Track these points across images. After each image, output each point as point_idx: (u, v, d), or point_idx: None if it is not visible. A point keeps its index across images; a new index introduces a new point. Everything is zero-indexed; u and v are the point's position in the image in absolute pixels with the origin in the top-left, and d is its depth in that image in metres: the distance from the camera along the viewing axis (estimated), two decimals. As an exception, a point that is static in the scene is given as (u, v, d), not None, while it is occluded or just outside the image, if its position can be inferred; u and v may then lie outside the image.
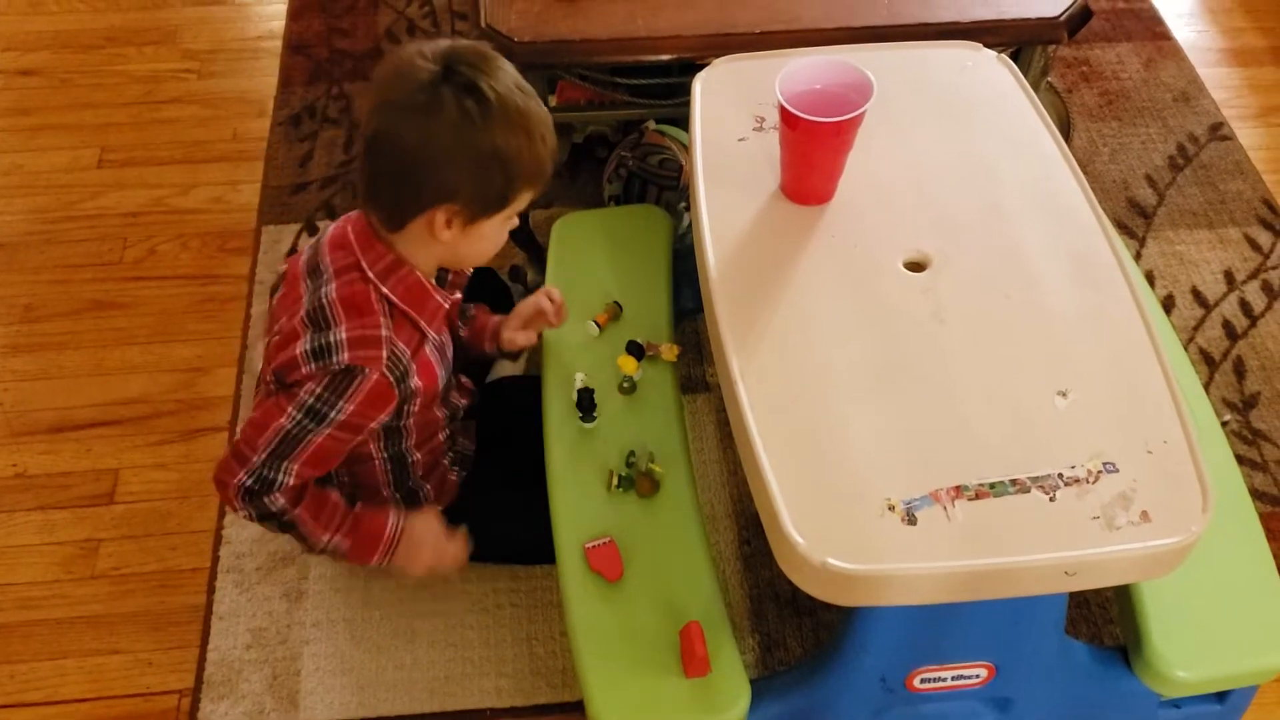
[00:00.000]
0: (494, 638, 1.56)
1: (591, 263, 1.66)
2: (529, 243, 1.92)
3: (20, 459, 1.75)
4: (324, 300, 1.29)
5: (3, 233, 2.06)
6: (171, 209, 2.10)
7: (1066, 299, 1.27)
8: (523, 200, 1.29)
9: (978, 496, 1.12)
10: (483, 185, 1.23)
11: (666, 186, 1.94)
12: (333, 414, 1.29)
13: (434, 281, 1.34)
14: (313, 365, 1.27)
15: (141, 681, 1.53)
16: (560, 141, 1.83)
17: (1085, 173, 1.40)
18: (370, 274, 1.29)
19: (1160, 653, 1.29)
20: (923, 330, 1.25)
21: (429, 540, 1.45)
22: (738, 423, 1.19)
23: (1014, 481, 1.13)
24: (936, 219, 1.35)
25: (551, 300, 1.55)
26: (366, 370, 1.27)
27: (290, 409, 1.29)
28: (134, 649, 1.56)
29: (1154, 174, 2.17)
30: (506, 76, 1.23)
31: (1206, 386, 1.83)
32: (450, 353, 1.45)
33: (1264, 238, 2.06)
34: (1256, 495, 1.68)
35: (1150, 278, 2.00)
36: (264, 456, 1.31)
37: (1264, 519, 1.41)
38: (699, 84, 1.51)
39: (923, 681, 1.31)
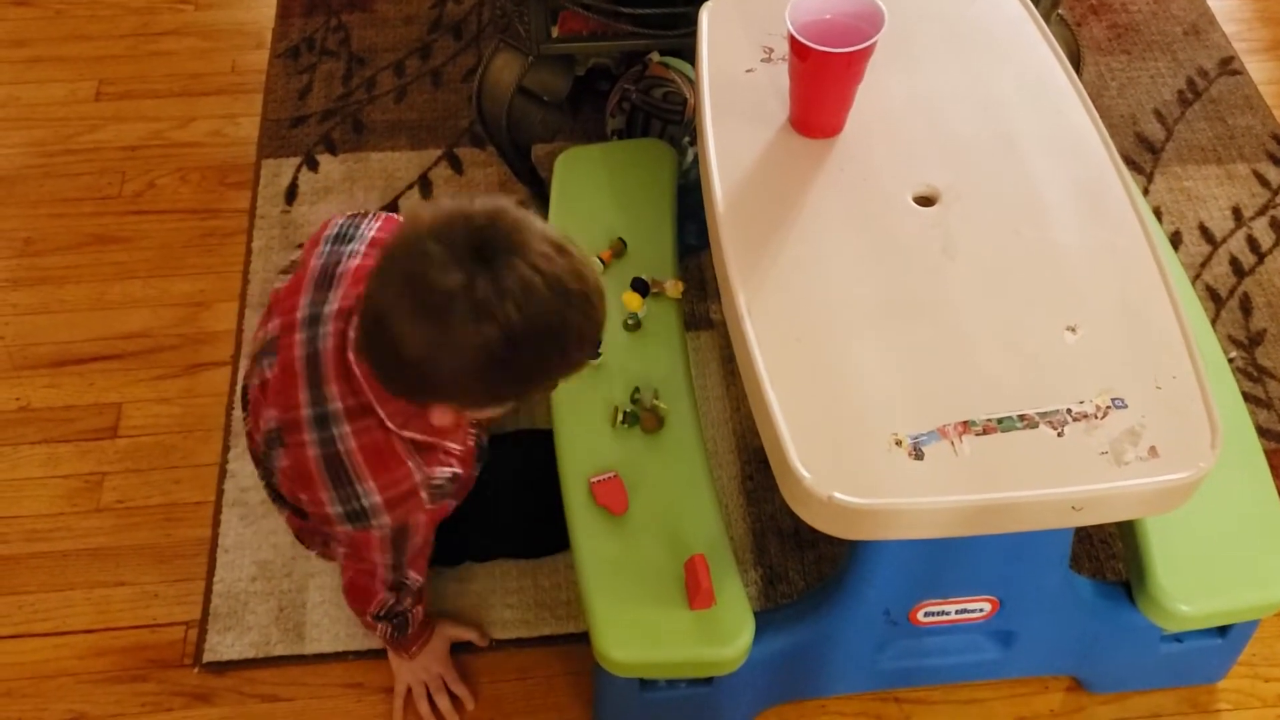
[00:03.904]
0: (499, 570, 1.57)
1: (595, 198, 1.64)
2: (532, 179, 1.90)
3: (23, 392, 1.75)
4: (341, 448, 1.15)
5: (1, 166, 2.04)
6: (170, 142, 2.07)
7: (1076, 234, 1.26)
8: (543, 392, 1.19)
9: (985, 432, 1.11)
10: (489, 395, 1.12)
11: (671, 121, 1.92)
12: (410, 547, 1.26)
13: None
14: (352, 527, 1.19)
15: (148, 613, 1.54)
16: (562, 75, 1.81)
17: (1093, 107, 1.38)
18: (390, 425, 1.15)
19: (1164, 587, 1.30)
20: (931, 265, 1.24)
21: (434, 660, 1.45)
22: (744, 358, 1.19)
23: (1022, 417, 1.12)
24: (946, 152, 1.34)
25: None
26: (411, 520, 1.21)
27: (380, 572, 1.28)
28: (140, 581, 1.57)
29: (1162, 109, 2.14)
30: (546, 274, 1.03)
31: (1213, 323, 1.82)
32: None
33: (1273, 174, 2.04)
34: (1261, 432, 1.68)
35: (1158, 214, 1.98)
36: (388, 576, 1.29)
37: (1269, 455, 1.41)
38: (706, 13, 1.48)
39: (926, 615, 1.32)
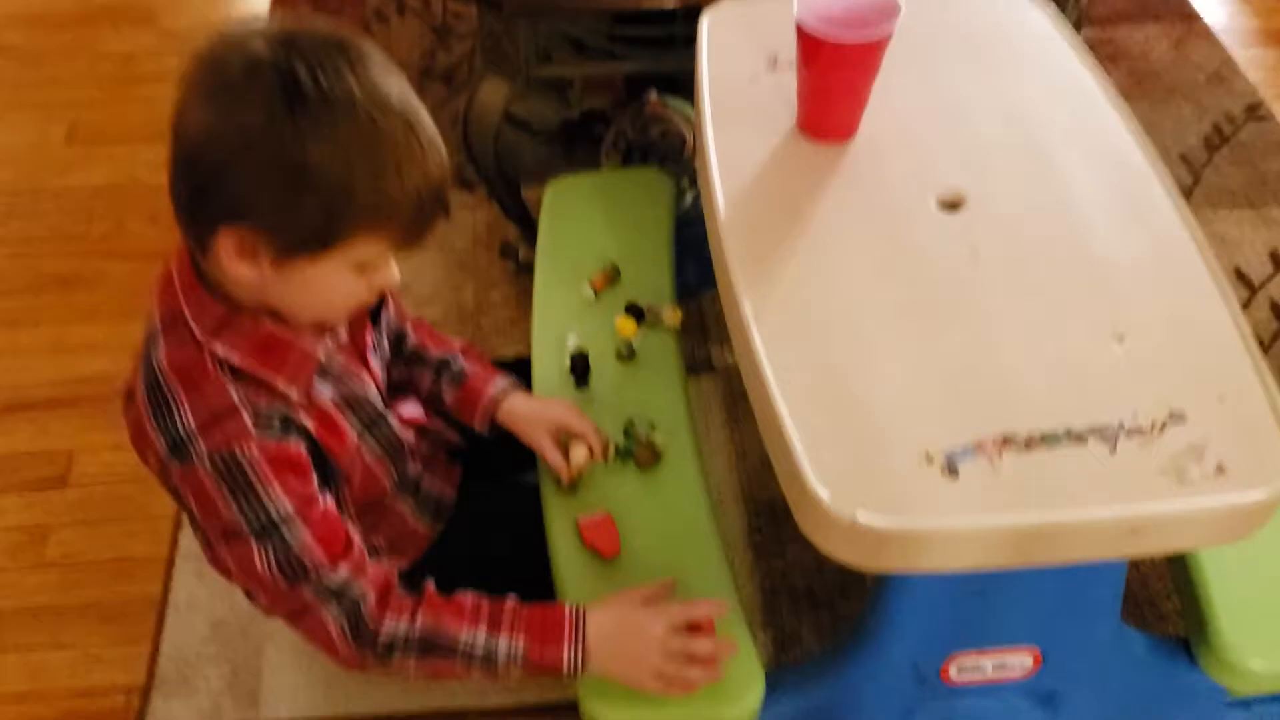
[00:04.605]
0: (479, 631, 1.41)
1: (587, 226, 1.53)
2: (521, 216, 1.79)
3: (-29, 440, 1.62)
4: (157, 369, 0.99)
5: (-36, 209, 1.95)
6: (143, 185, 1.98)
7: (1119, 240, 1.14)
8: (365, 246, 0.95)
9: (1028, 448, 0.97)
10: (285, 210, 0.91)
11: (668, 159, 1.82)
12: (276, 513, 0.99)
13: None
14: (179, 465, 0.98)
15: (87, 679, 1.39)
16: (554, 104, 1.71)
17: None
18: (197, 334, 0.98)
19: (1229, 641, 1.15)
20: (959, 272, 1.11)
21: (639, 629, 1.08)
22: (750, 370, 1.05)
23: (1069, 431, 0.99)
24: (970, 157, 1.22)
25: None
26: (238, 449, 0.98)
27: (254, 549, 1.01)
28: (82, 643, 1.42)
29: (1189, 154, 2.04)
30: (363, 78, 0.90)
31: (1255, 369, 1.69)
32: (370, 389, 1.14)
33: (1310, 218, 1.94)
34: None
35: (1189, 258, 1.87)
36: (299, 590, 1.03)
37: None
38: (706, 22, 1.38)
39: (960, 672, 1.16)
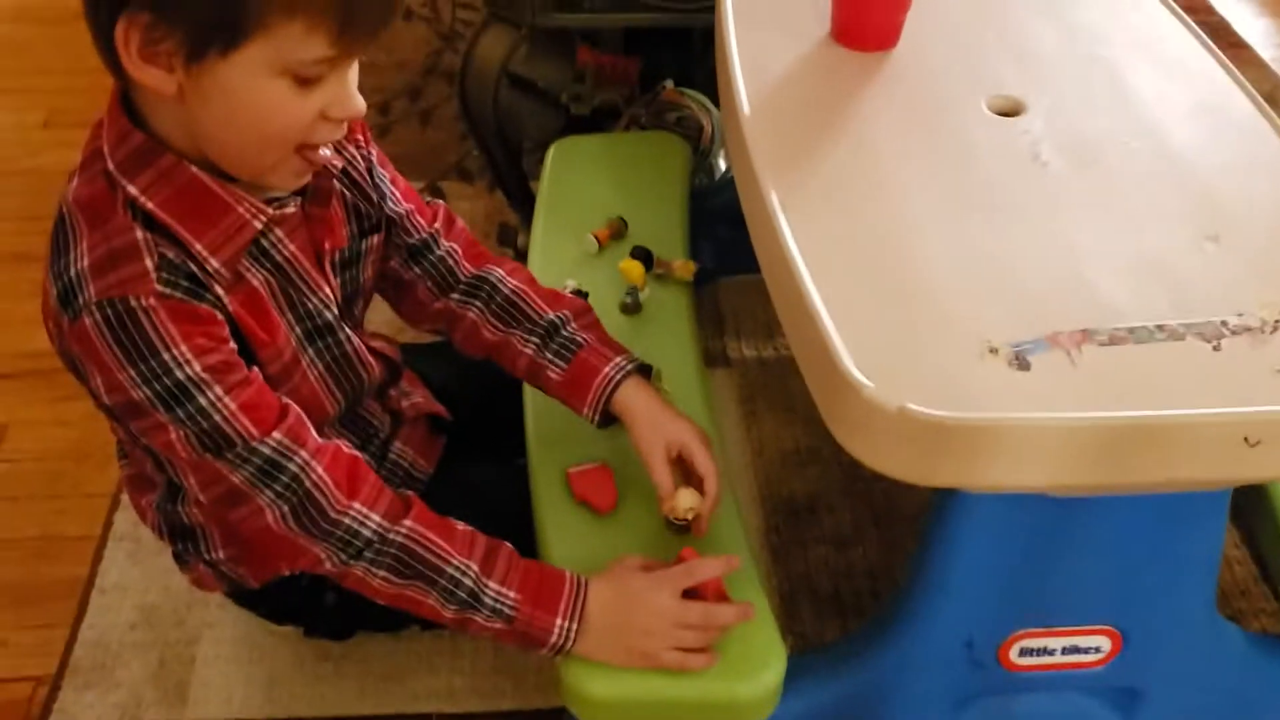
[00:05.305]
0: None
1: (593, 181, 1.37)
2: (523, 196, 1.64)
3: (-100, 413, 1.45)
4: (63, 207, 0.84)
5: (-70, 188, 1.82)
6: (118, 171, 1.84)
7: (1202, 146, 0.99)
8: (288, 35, 0.76)
9: (1112, 342, 0.80)
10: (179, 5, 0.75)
11: (686, 147, 1.68)
12: (183, 374, 0.81)
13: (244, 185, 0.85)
14: (69, 323, 0.81)
15: (-10, 666, 1.19)
16: (559, 65, 1.56)
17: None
18: (110, 165, 0.82)
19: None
20: (1021, 171, 0.95)
21: (642, 598, 0.91)
22: (775, 258, 0.89)
23: (1161, 327, 0.81)
24: (1027, 66, 1.08)
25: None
26: (134, 300, 0.80)
27: (166, 423, 0.83)
28: (-10, 628, 1.22)
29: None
30: None
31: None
32: (325, 296, 0.94)
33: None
34: None
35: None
36: (225, 467, 0.85)
37: None
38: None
39: (1023, 655, 0.96)
